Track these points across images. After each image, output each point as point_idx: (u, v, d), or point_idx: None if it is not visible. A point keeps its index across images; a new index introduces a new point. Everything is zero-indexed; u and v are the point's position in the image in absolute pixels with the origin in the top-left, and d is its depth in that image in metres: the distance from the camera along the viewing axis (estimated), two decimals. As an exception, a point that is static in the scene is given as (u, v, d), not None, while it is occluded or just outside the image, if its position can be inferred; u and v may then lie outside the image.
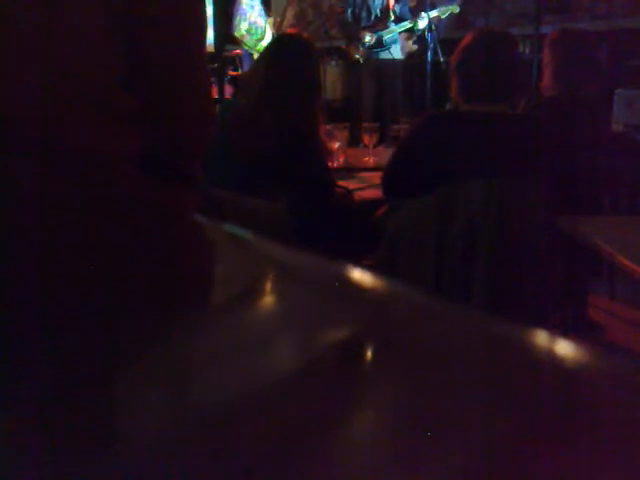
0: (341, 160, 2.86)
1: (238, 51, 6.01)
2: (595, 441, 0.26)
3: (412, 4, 5.43)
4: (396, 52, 5.05)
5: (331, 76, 6.13)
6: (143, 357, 0.32)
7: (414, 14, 4.96)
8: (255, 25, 5.67)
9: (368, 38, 4.93)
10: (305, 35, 2.46)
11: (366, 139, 3.00)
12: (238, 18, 5.64)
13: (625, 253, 1.54)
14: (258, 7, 5.73)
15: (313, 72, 2.25)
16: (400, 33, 5.03)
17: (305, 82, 2.20)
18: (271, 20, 5.81)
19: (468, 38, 2.06)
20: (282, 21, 5.94)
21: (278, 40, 2.45)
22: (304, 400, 0.28)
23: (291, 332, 0.36)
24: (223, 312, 0.38)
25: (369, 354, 0.34)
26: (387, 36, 4.95)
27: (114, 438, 0.26)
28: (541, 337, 0.35)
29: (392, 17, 4.93)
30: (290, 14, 6.06)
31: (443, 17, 5.00)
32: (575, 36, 2.52)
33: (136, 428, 0.26)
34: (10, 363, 0.30)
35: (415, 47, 5.17)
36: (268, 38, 5.48)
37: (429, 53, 4.96)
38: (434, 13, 4.91)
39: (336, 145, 2.78)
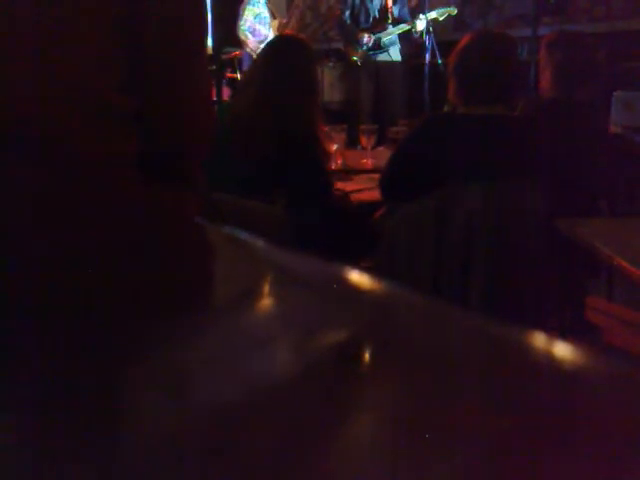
0: (339, 162, 2.86)
1: (237, 53, 6.01)
2: (593, 442, 0.26)
3: (413, 4, 5.42)
4: (395, 54, 5.05)
5: (329, 78, 6.12)
6: (143, 358, 0.32)
7: (412, 16, 4.96)
8: (259, 28, 5.67)
9: (366, 40, 4.93)
10: (301, 36, 2.47)
11: (364, 141, 3.00)
12: (244, 19, 5.65)
13: (623, 255, 1.54)
14: (264, 8, 5.73)
15: (311, 74, 2.25)
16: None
17: (303, 84, 2.20)
18: (275, 22, 5.81)
19: (466, 40, 2.06)
20: (288, 23, 5.93)
21: (275, 42, 2.45)
22: (303, 401, 0.28)
23: (290, 334, 0.36)
24: (223, 314, 0.38)
25: (367, 356, 0.34)
26: (385, 38, 4.95)
27: (115, 439, 0.26)
28: (539, 339, 0.35)
29: (390, 19, 4.94)
30: (296, 16, 6.05)
31: (441, 19, 5.00)
32: (572, 38, 2.52)
33: (137, 428, 0.27)
34: (12, 364, 0.30)
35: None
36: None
37: (427, 55, 4.96)
38: (432, 15, 4.91)
39: (334, 147, 2.77)
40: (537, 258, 1.92)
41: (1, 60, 0.53)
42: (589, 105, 2.43)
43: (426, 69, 4.92)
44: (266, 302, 0.42)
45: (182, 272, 0.44)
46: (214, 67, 4.47)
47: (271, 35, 5.64)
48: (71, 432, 0.26)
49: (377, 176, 2.17)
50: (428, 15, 4.84)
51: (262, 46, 5.51)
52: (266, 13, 5.75)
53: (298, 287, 0.43)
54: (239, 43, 5.76)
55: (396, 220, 1.99)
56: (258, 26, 5.69)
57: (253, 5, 5.69)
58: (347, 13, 5.03)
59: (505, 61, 2.01)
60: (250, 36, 5.65)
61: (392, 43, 5.01)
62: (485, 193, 1.82)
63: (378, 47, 4.98)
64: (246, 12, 5.66)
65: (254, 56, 5.61)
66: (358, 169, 2.88)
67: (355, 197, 2.42)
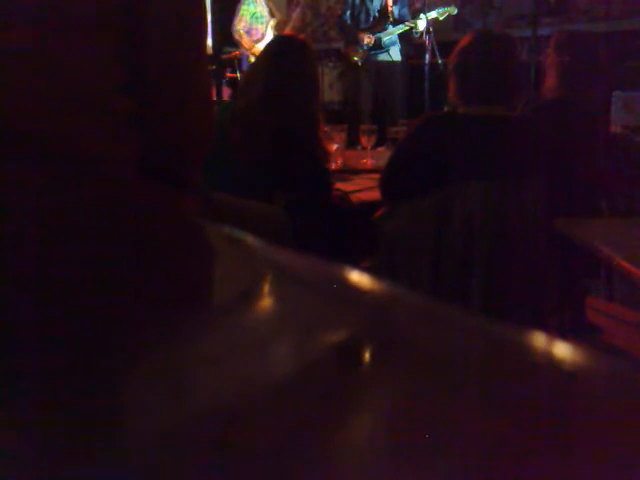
0: (339, 162, 2.86)
1: (237, 53, 6.01)
2: (593, 444, 0.26)
3: (418, 5, 5.43)
4: (395, 54, 5.05)
5: (329, 78, 6.13)
6: (142, 359, 0.32)
7: (413, 16, 4.96)
8: (255, 27, 5.67)
9: (367, 40, 4.93)
10: (302, 36, 2.47)
11: (364, 141, 3.00)
12: (239, 18, 5.65)
13: (623, 255, 1.54)
14: (263, 7, 5.72)
15: (312, 74, 2.26)
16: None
17: (304, 84, 2.20)
18: (275, 21, 5.80)
19: (466, 40, 2.06)
20: (288, 22, 5.92)
21: (276, 42, 2.45)
22: (301, 403, 0.28)
23: (288, 335, 0.36)
24: (223, 314, 0.38)
25: (366, 357, 0.34)
26: (386, 38, 4.95)
27: (113, 439, 0.26)
28: (539, 339, 0.35)
29: (390, 19, 4.94)
30: (296, 16, 6.04)
31: (441, 18, 5.00)
32: (583, 40, 2.52)
33: (135, 429, 0.27)
34: (11, 364, 0.30)
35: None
36: (268, 40, 5.47)
37: (427, 55, 4.96)
38: (432, 15, 4.90)
39: (334, 147, 2.78)
40: (537, 258, 1.92)
41: (0, 60, 0.53)
42: (590, 105, 2.43)
43: (426, 69, 4.91)
44: (266, 302, 0.42)
45: (181, 272, 0.44)
46: (214, 67, 4.47)
47: (269, 34, 5.64)
48: (71, 432, 0.26)
49: (377, 176, 2.17)
50: (428, 15, 4.84)
51: (258, 45, 5.50)
52: (263, 12, 5.74)
53: (298, 287, 0.43)
54: (236, 42, 5.76)
55: (396, 220, 1.99)
56: (254, 25, 5.69)
57: (249, 5, 5.69)
58: (347, 13, 5.03)
59: (505, 61, 2.01)
60: (245, 35, 5.65)
61: (392, 43, 5.01)
62: (485, 193, 1.82)
63: (378, 47, 4.98)
64: (242, 11, 5.66)
65: (249, 55, 5.62)
66: (358, 169, 2.88)
67: (355, 197, 2.42)
